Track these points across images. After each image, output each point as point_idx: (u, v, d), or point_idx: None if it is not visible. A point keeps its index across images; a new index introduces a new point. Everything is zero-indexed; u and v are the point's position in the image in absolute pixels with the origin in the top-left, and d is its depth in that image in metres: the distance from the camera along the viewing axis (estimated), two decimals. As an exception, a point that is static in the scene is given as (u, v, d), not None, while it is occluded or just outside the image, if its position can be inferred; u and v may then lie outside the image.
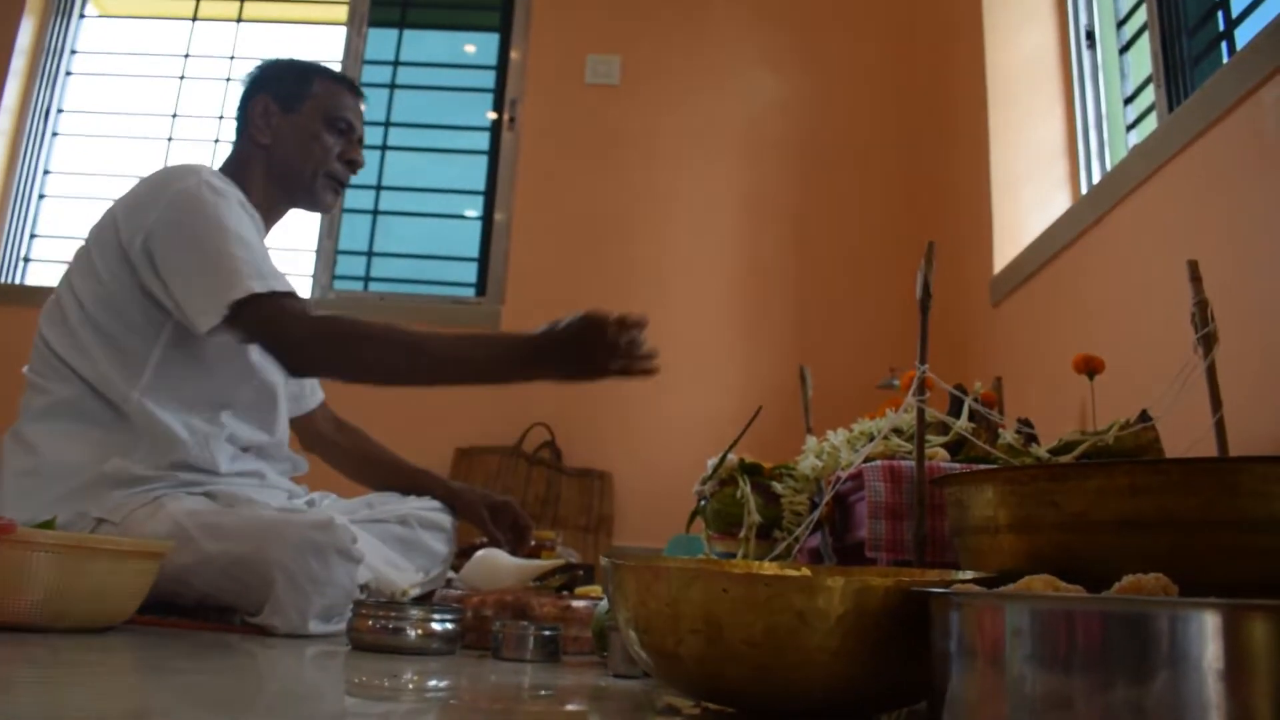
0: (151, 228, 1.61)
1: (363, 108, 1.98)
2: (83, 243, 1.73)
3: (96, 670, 1.04)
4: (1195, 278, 1.31)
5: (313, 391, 2.08)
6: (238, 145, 1.89)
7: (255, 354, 1.72)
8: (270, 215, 1.87)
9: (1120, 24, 2.58)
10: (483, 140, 3.87)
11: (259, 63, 1.96)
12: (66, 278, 1.71)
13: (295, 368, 1.64)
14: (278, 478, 1.80)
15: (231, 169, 1.84)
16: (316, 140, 1.87)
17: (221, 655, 1.24)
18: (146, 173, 1.75)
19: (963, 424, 1.46)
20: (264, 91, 1.88)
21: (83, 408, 1.62)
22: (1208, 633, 0.57)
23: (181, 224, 1.61)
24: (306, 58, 2.02)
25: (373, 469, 2.06)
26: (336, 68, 3.74)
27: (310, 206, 1.93)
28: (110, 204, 1.73)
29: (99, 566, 1.22)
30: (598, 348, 1.59)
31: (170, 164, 1.84)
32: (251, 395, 1.75)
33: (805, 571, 0.95)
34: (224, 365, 1.70)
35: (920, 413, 1.30)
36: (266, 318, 1.57)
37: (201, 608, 1.52)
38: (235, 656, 1.25)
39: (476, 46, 4.10)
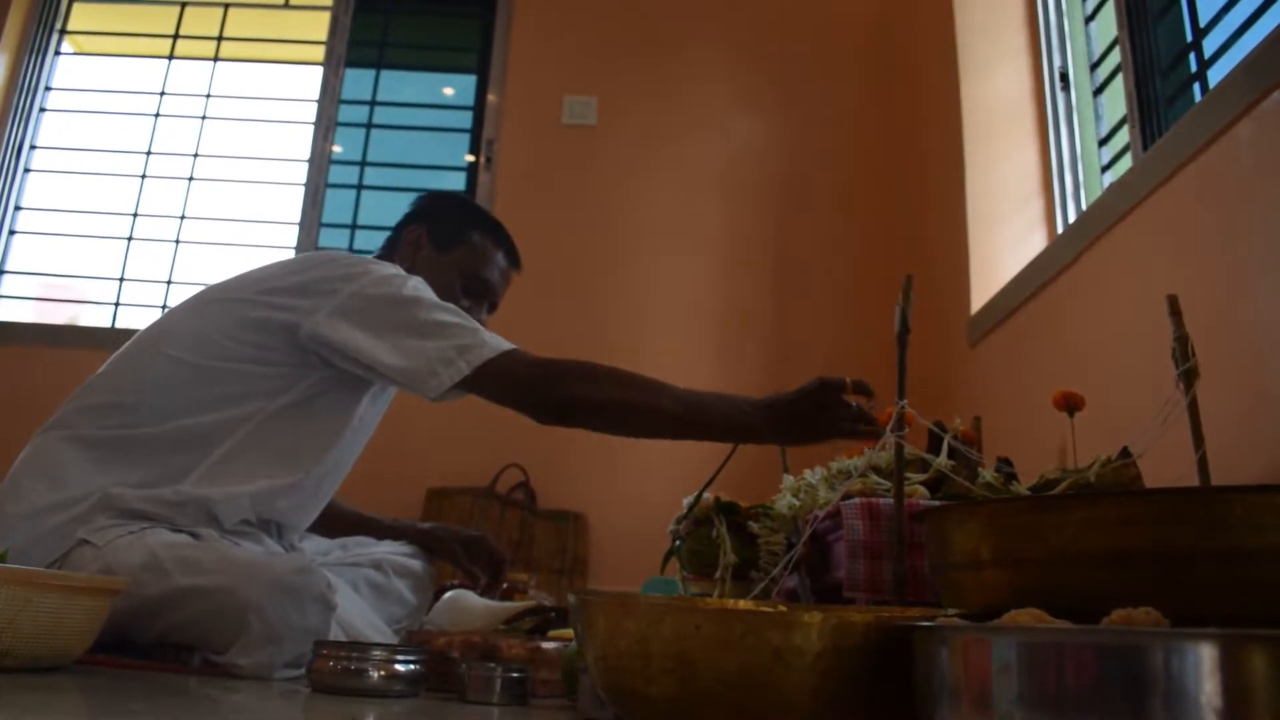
0: (349, 307, 1.60)
1: (513, 274, 1.96)
2: (217, 291, 1.72)
3: (42, 713, 1.00)
4: (1175, 312, 1.29)
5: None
6: (386, 256, 1.87)
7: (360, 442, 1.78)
8: None
9: (1094, 66, 2.60)
10: (460, 181, 3.85)
11: (438, 191, 1.97)
12: (181, 317, 1.70)
13: (553, 406, 1.60)
14: (271, 541, 1.76)
15: None
16: (449, 289, 1.82)
17: (177, 698, 1.19)
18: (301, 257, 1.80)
19: (942, 461, 1.43)
20: (424, 220, 1.88)
21: (118, 440, 1.58)
22: (1205, 665, 0.54)
23: (387, 299, 1.61)
24: (484, 206, 1.99)
25: (340, 527, 2.01)
26: (313, 109, 3.79)
27: None
28: (250, 270, 1.74)
29: (48, 602, 1.17)
30: (830, 408, 1.54)
31: (332, 251, 1.82)
32: (329, 467, 1.74)
33: (781, 608, 0.92)
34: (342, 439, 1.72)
35: (899, 448, 1.28)
36: (505, 378, 1.59)
37: (159, 646, 1.47)
38: (194, 699, 1.20)
39: (455, 89, 4.11)
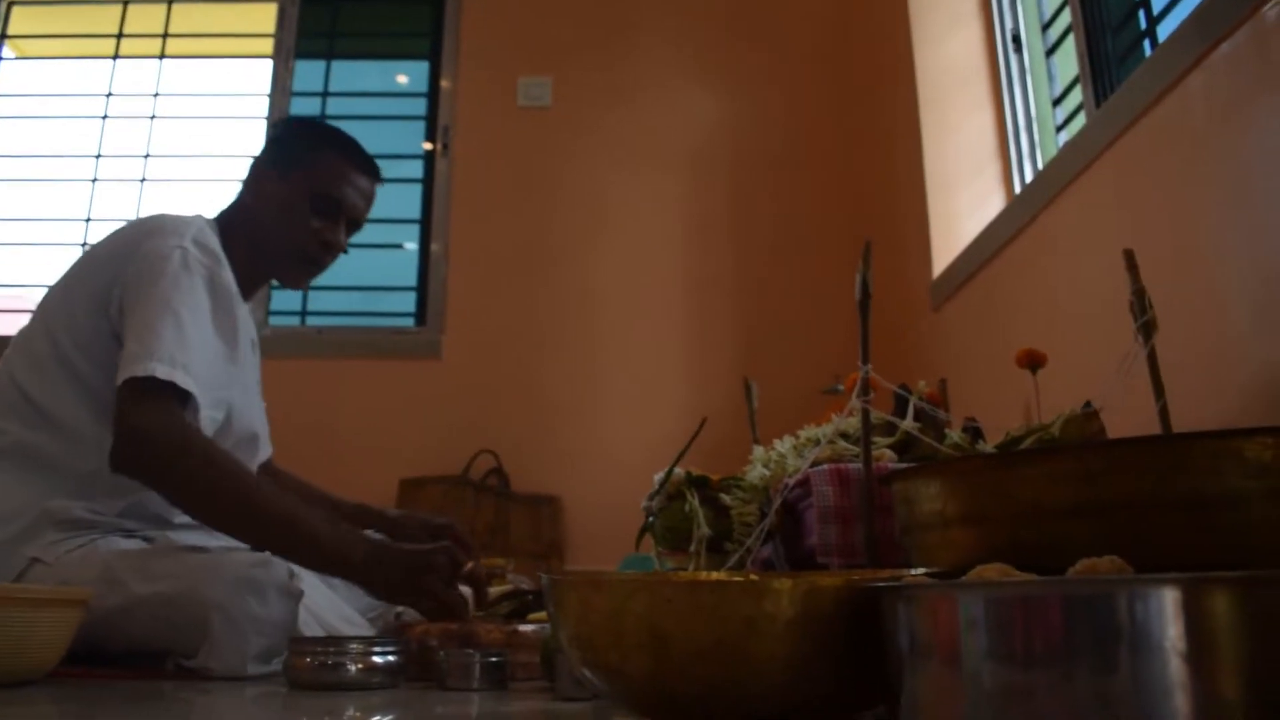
0: (126, 279, 1.55)
1: (371, 187, 1.85)
2: (60, 279, 1.68)
3: (15, 725, 0.99)
4: (1132, 266, 1.30)
5: (266, 443, 2.02)
6: (234, 201, 1.80)
7: (236, 414, 1.67)
8: (250, 280, 1.79)
9: (1045, 27, 2.61)
10: (418, 169, 3.83)
11: (284, 118, 1.87)
12: (41, 315, 1.65)
13: (122, 459, 1.44)
14: None
15: (222, 223, 1.77)
16: (295, 214, 1.75)
17: (153, 703, 1.18)
18: (140, 216, 1.72)
19: (908, 423, 1.44)
20: (270, 148, 1.80)
21: (39, 449, 1.56)
22: (1168, 610, 0.54)
23: (142, 284, 1.53)
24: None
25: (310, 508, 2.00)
26: (265, 103, 3.75)
27: (281, 281, 1.84)
28: (94, 244, 1.69)
29: (14, 616, 1.16)
30: (424, 578, 1.44)
31: (159, 214, 1.73)
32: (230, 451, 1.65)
33: (752, 577, 0.92)
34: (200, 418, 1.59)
35: (865, 413, 1.28)
36: (138, 400, 1.43)
37: (132, 654, 1.45)
38: (167, 704, 1.19)
39: (409, 76, 4.07)
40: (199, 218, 1.70)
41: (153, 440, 1.43)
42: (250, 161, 1.80)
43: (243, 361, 1.71)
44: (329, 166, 1.79)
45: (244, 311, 1.73)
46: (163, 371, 1.44)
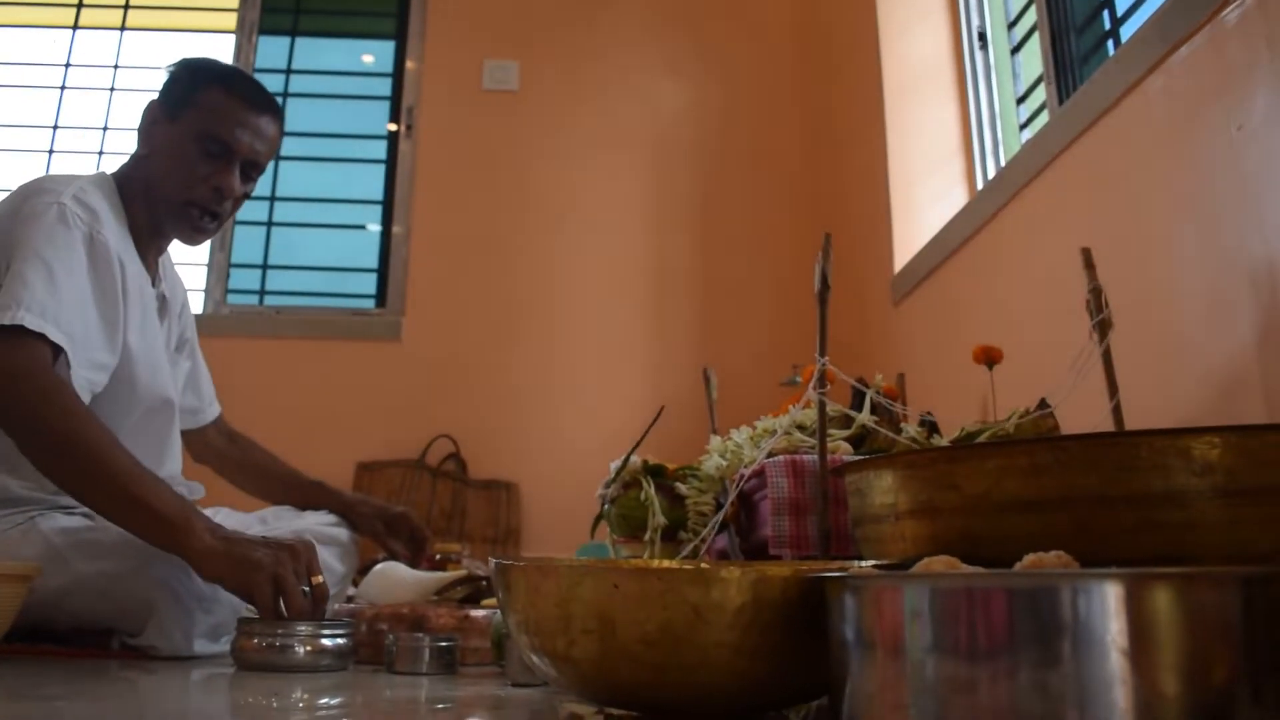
0: (10, 242, 1.48)
1: (267, 125, 1.71)
2: None
3: (-49, 702, 0.97)
4: (1089, 265, 1.31)
5: (210, 404, 2.00)
6: (134, 153, 1.72)
7: (140, 378, 1.60)
8: (153, 234, 1.71)
9: (1011, 25, 2.62)
10: (381, 150, 3.80)
11: (180, 60, 1.74)
12: None
13: None
14: None
15: (121, 175, 1.70)
16: (184, 158, 1.65)
17: (97, 681, 1.17)
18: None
19: (865, 416, 1.44)
20: (161, 92, 1.70)
21: None
22: (1111, 605, 0.54)
23: (17, 240, 1.46)
24: (225, 60, 1.77)
25: (266, 482, 1.99)
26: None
27: (178, 237, 1.74)
28: None
29: (-43, 592, 1.14)
30: (271, 566, 1.31)
31: (47, 174, 1.66)
32: (140, 424, 1.61)
33: (703, 565, 0.92)
34: (106, 388, 1.54)
35: (821, 405, 1.29)
36: (5, 345, 1.36)
37: (77, 633, 1.43)
38: (112, 682, 1.18)
39: (374, 55, 4.03)
40: (85, 176, 1.62)
41: (15, 383, 1.34)
42: (143, 108, 1.72)
43: (143, 324, 1.62)
44: (216, 105, 1.66)
45: (137, 270, 1.62)
46: (32, 322, 1.37)
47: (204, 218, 1.69)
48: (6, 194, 1.61)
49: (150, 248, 1.72)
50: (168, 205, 1.67)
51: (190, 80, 1.69)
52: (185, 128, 1.65)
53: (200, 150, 1.65)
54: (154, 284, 1.71)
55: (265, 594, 1.29)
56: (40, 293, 1.39)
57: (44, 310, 1.38)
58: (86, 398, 1.45)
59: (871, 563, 0.88)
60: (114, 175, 1.70)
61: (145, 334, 1.63)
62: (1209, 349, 1.45)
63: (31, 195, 1.53)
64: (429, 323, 3.52)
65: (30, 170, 3.70)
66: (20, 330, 1.36)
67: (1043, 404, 1.35)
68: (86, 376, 1.46)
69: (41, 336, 1.37)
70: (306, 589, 1.33)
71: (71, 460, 1.35)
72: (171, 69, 1.72)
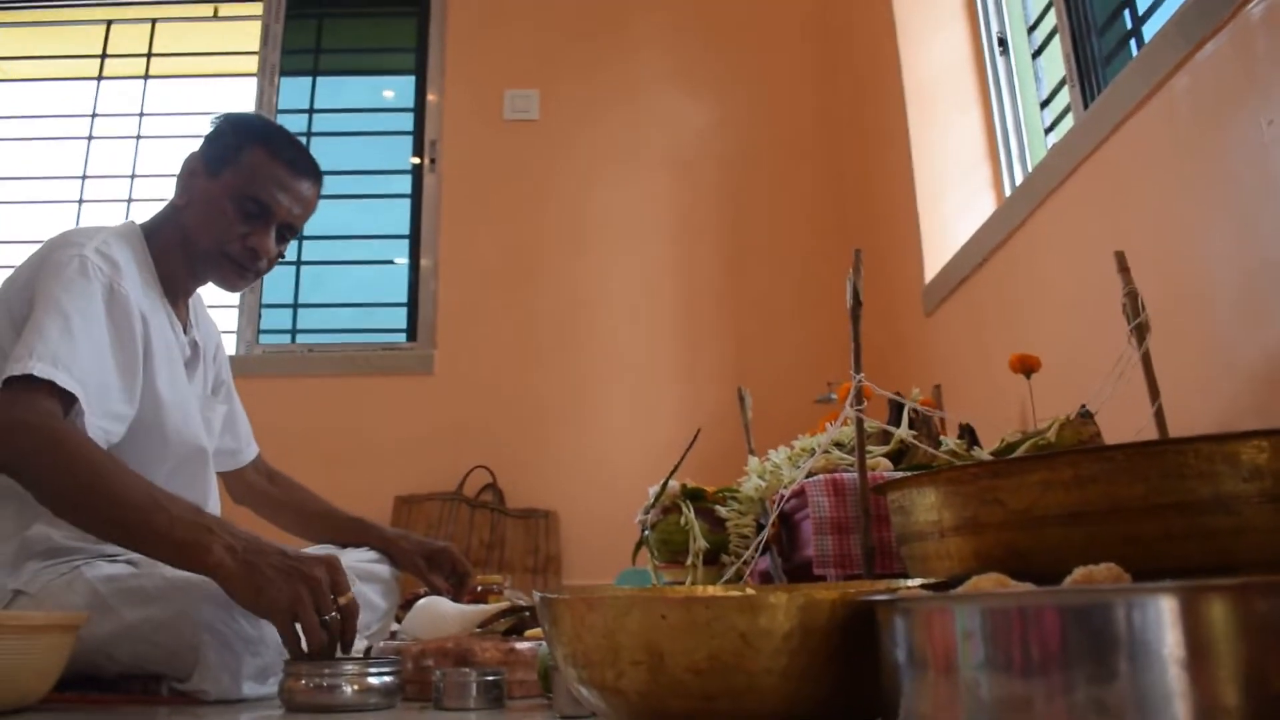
0: (33, 295, 1.49)
1: (306, 189, 1.71)
2: None
3: (6, 755, 0.98)
4: (1123, 268, 1.30)
5: (248, 445, 2.01)
6: (169, 202, 1.72)
7: (172, 427, 1.60)
8: (184, 282, 1.72)
9: (1031, 29, 2.61)
10: (406, 184, 3.82)
11: (225, 114, 1.75)
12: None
13: None
14: None
15: (152, 225, 1.71)
16: (221, 216, 1.65)
17: (147, 729, 1.17)
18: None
19: (903, 431, 1.44)
20: (201, 147, 1.71)
21: (3, 480, 1.53)
22: (1166, 618, 0.53)
23: (41, 295, 1.46)
24: (273, 119, 1.77)
25: (306, 520, 1.99)
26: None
27: (215, 283, 1.74)
28: (13, 269, 1.64)
29: (7, 645, 1.15)
30: (309, 576, 1.30)
31: (75, 228, 1.65)
32: (174, 472, 1.60)
33: (749, 591, 0.91)
34: (136, 440, 1.54)
35: (859, 422, 1.28)
36: (15, 396, 1.35)
37: (125, 679, 1.44)
38: (162, 729, 1.18)
39: (395, 91, 4.07)
40: (111, 228, 1.63)
41: (24, 432, 1.34)
42: (184, 158, 1.72)
43: (172, 373, 1.63)
44: (258, 166, 1.66)
45: (162, 321, 1.63)
46: (41, 370, 1.36)
47: (241, 272, 1.70)
48: (36, 247, 1.63)
49: (181, 295, 1.74)
50: (202, 257, 1.68)
51: (233, 137, 1.69)
52: (225, 185, 1.66)
53: (238, 209, 1.65)
54: (185, 331, 1.73)
55: (285, 632, 1.27)
56: (54, 343, 1.40)
57: (55, 359, 1.38)
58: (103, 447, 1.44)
59: (919, 582, 0.88)
60: (143, 225, 1.71)
61: (174, 383, 1.63)
62: (1247, 349, 1.44)
63: (56, 249, 1.54)
64: (460, 354, 3.53)
65: (61, 220, 3.76)
66: (29, 379, 1.36)
67: (1083, 411, 1.34)
68: (102, 426, 1.45)
69: (51, 384, 1.37)
70: (334, 613, 1.31)
71: (87, 504, 1.34)
72: (216, 122, 1.73)
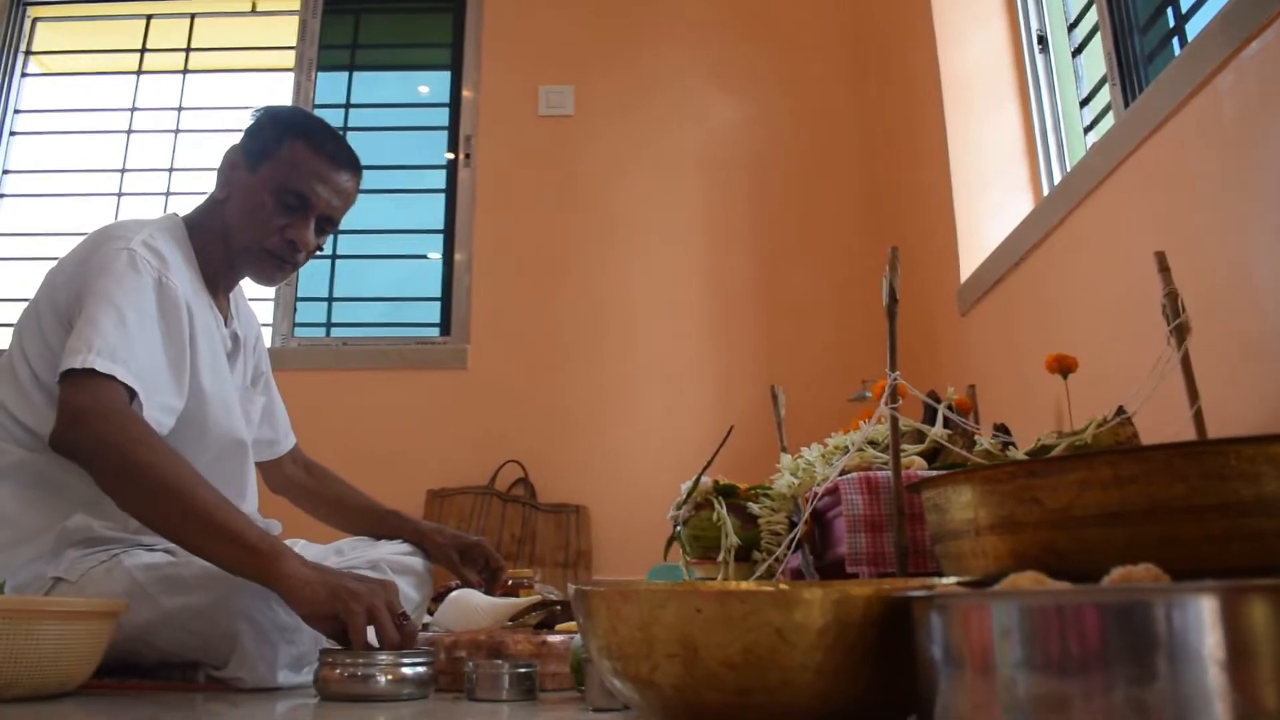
0: (81, 288, 1.51)
1: (345, 181, 1.72)
2: (31, 300, 1.64)
3: (47, 738, 0.99)
4: (1163, 268, 1.29)
5: (285, 435, 2.02)
6: (210, 194, 1.74)
7: (213, 419, 1.62)
8: (225, 275, 1.74)
9: (1071, 27, 2.59)
10: (441, 179, 3.84)
11: (265, 107, 1.77)
12: (17, 336, 1.62)
13: (59, 437, 1.39)
14: None
15: (194, 218, 1.73)
16: (261, 209, 1.66)
17: (184, 714, 1.19)
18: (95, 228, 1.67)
19: (938, 431, 1.43)
20: (242, 140, 1.72)
21: (41, 468, 1.55)
22: (1206, 618, 0.53)
23: (89, 286, 1.49)
24: (311, 112, 1.77)
25: (342, 511, 2.01)
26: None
27: (251, 277, 1.76)
28: (57, 261, 1.66)
29: (49, 630, 1.17)
30: (365, 595, 1.32)
31: (118, 221, 1.68)
32: (214, 465, 1.60)
33: (782, 587, 0.91)
34: (178, 431, 1.55)
35: (894, 420, 1.28)
36: (79, 385, 1.38)
37: (164, 666, 1.46)
38: (198, 714, 1.19)
39: (430, 87, 4.09)
40: (155, 221, 1.65)
41: (98, 421, 1.36)
42: (224, 152, 1.74)
43: (214, 366, 1.65)
44: (297, 159, 1.67)
45: (206, 313, 1.65)
46: (103, 365, 1.39)
47: (279, 265, 1.72)
48: (80, 240, 1.65)
49: (222, 288, 1.76)
50: (244, 250, 1.70)
51: (273, 130, 1.70)
52: (265, 178, 1.67)
53: (278, 202, 1.67)
54: (226, 323, 1.75)
55: (359, 624, 1.29)
56: (112, 337, 1.42)
57: (114, 354, 1.41)
58: None
59: (954, 580, 0.87)
60: (186, 218, 1.73)
61: (217, 376, 1.65)
62: (1291, 350, 1.42)
63: (102, 242, 1.56)
64: (493, 349, 3.55)
65: (102, 212, 3.80)
66: (90, 373, 1.38)
67: (1120, 412, 1.33)
68: (156, 418, 1.47)
69: (113, 378, 1.39)
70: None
71: (158, 495, 1.35)
72: (256, 115, 1.75)
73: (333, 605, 1.30)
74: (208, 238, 1.71)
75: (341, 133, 3.76)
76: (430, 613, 1.85)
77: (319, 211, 1.70)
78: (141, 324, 1.48)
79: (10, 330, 1.71)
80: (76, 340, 1.41)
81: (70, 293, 1.54)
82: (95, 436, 1.36)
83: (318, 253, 1.78)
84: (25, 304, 1.65)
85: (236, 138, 1.74)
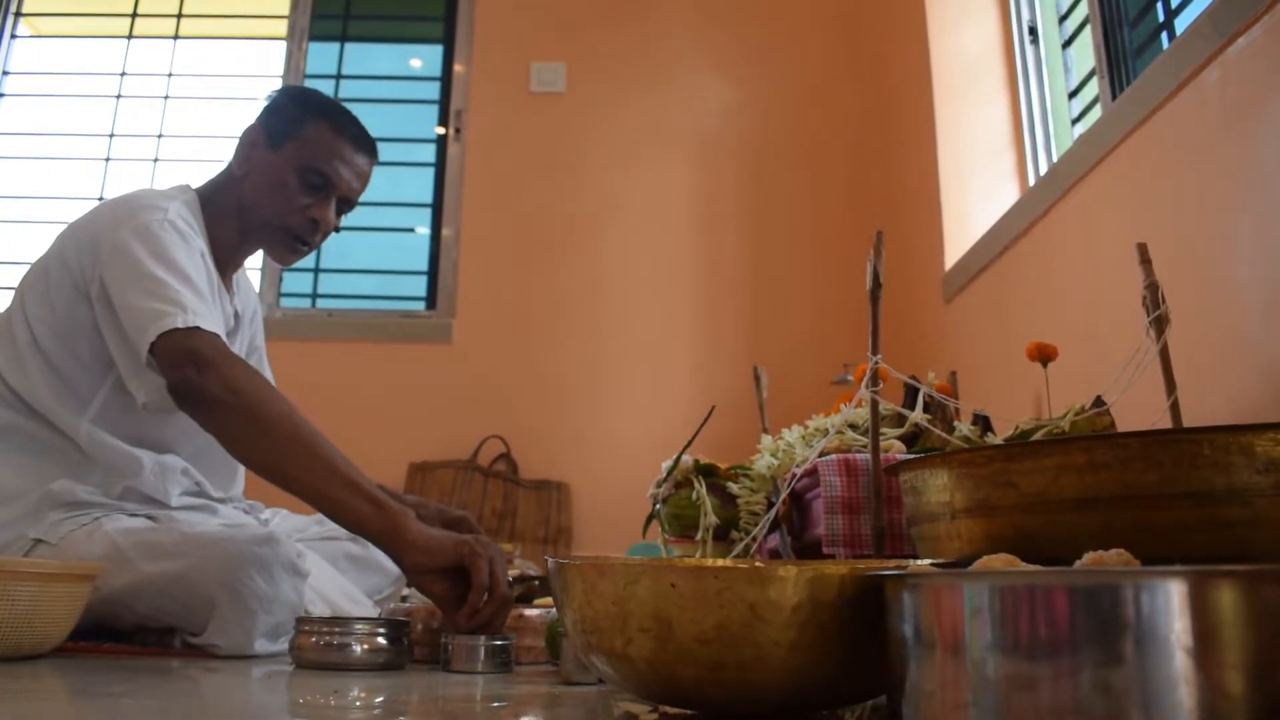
0: (110, 260, 1.51)
1: (364, 164, 1.76)
2: (38, 261, 1.64)
3: (22, 698, 0.99)
4: (1145, 260, 1.30)
5: None
6: (224, 169, 1.75)
7: None
8: (234, 251, 1.75)
9: (1062, 19, 2.59)
10: (431, 153, 3.83)
11: (283, 87, 1.80)
12: (19, 298, 1.62)
13: (186, 389, 1.40)
14: (230, 511, 1.73)
15: (207, 192, 1.73)
16: (283, 188, 1.68)
17: (159, 679, 1.19)
18: (116, 194, 1.66)
19: (918, 415, 1.44)
20: (263, 117, 1.74)
21: (29, 432, 1.55)
22: (1174, 603, 0.54)
23: (151, 253, 1.49)
24: (330, 95, 1.80)
25: None
26: (278, 83, 3.75)
27: (268, 254, 1.78)
28: (68, 225, 1.65)
29: (25, 590, 1.17)
30: (470, 552, 1.32)
31: (137, 190, 1.69)
32: (209, 442, 1.54)
33: (757, 564, 0.92)
34: (169, 414, 1.56)
35: (874, 403, 1.28)
36: (180, 341, 1.40)
37: (140, 631, 1.46)
38: (173, 680, 1.20)
39: (422, 60, 4.07)
40: (170, 191, 1.67)
41: (225, 363, 1.39)
42: (242, 129, 1.75)
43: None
44: (321, 140, 1.70)
45: (216, 290, 1.67)
46: (206, 324, 1.43)
47: (297, 244, 1.74)
48: (93, 208, 1.67)
49: (229, 264, 1.76)
50: (261, 228, 1.71)
51: (296, 110, 1.72)
52: (287, 157, 1.69)
53: (301, 181, 1.69)
54: (230, 300, 1.75)
55: (482, 566, 1.30)
56: (189, 298, 1.45)
57: (196, 311, 1.44)
58: None
59: (928, 561, 0.88)
60: (199, 190, 1.74)
61: (231, 343, 1.67)
62: (1269, 345, 1.43)
63: (136, 211, 1.57)
64: (479, 324, 3.55)
65: (89, 176, 3.77)
66: (197, 330, 1.41)
67: (1098, 401, 1.34)
68: None
69: (216, 335, 1.43)
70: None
71: (291, 444, 1.37)
72: (275, 95, 1.77)
73: (458, 553, 1.31)
74: (221, 213, 1.72)
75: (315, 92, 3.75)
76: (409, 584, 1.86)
77: (340, 192, 1.73)
78: (203, 286, 1.52)
79: (8, 294, 1.70)
80: (157, 303, 1.43)
81: (88, 263, 1.54)
82: (225, 383, 1.38)
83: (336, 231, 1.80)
84: (13, 265, 1.65)
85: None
